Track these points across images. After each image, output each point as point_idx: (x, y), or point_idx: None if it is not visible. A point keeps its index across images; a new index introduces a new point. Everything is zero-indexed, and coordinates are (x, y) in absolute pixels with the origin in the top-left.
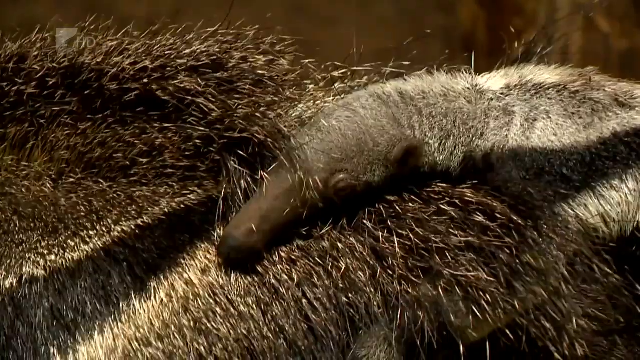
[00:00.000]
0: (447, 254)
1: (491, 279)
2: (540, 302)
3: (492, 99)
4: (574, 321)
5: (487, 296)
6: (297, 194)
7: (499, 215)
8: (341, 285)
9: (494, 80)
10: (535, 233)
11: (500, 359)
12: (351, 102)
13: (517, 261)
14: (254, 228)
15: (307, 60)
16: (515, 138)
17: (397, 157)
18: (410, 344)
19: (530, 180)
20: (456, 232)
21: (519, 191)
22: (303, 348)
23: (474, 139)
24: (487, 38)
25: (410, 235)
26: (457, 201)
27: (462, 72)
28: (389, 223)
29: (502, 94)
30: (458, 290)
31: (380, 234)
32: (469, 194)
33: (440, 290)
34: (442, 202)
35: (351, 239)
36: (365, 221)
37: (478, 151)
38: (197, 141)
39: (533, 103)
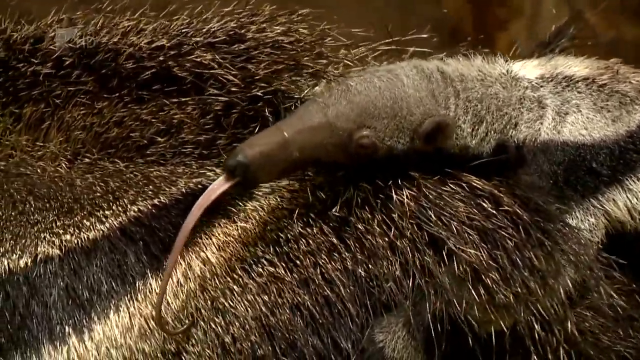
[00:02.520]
0: (454, 227)
1: (492, 263)
2: (534, 301)
3: (527, 88)
4: (565, 328)
5: (487, 280)
6: (320, 135)
7: (505, 207)
8: (360, 257)
9: (528, 69)
10: (543, 235)
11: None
12: (395, 69)
13: (519, 254)
14: (268, 154)
15: (323, 26)
16: (547, 131)
17: (427, 129)
18: (430, 335)
19: (560, 175)
20: (463, 208)
21: (541, 190)
22: (321, 325)
23: (507, 126)
24: (473, 28)
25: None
26: (465, 185)
27: (498, 57)
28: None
29: (537, 84)
30: (459, 266)
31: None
32: (476, 181)
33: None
34: (451, 181)
35: (367, 209)
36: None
37: (511, 141)
38: (217, 110)
39: (564, 96)
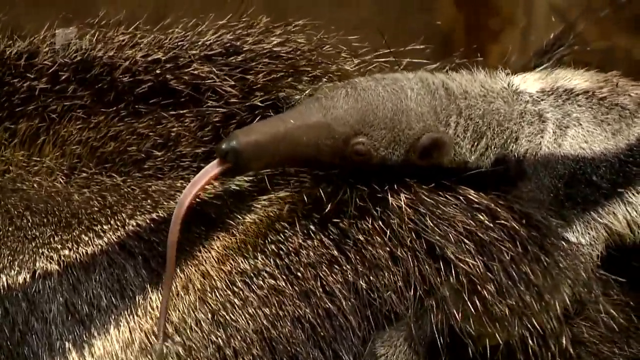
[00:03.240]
0: (452, 236)
1: (488, 275)
2: (529, 315)
3: (528, 102)
4: (561, 343)
5: (483, 292)
6: (316, 134)
7: (502, 221)
8: (360, 269)
9: (529, 82)
10: (540, 250)
11: None
12: (400, 79)
13: (515, 268)
14: (261, 144)
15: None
16: (547, 145)
17: (424, 145)
18: (432, 349)
19: (560, 188)
20: (461, 219)
21: (541, 203)
22: (322, 338)
23: (508, 141)
24: (465, 39)
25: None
26: (461, 197)
27: (499, 71)
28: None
29: (537, 97)
30: (458, 276)
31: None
32: (473, 194)
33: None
34: (448, 193)
35: (366, 218)
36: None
37: (511, 155)
38: (216, 122)
39: (565, 109)
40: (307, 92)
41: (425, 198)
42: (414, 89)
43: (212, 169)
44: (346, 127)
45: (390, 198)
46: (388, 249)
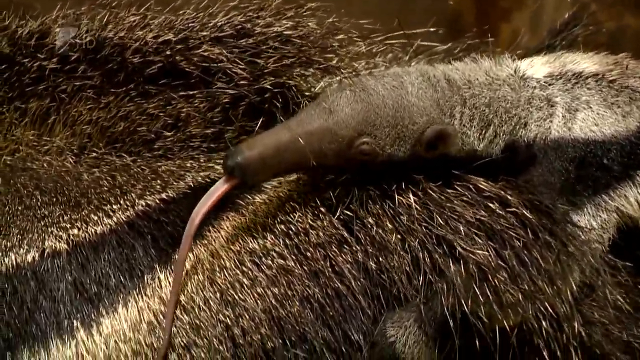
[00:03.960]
0: (462, 228)
1: (500, 263)
2: (543, 299)
3: (535, 87)
4: (574, 327)
5: (495, 279)
6: (319, 140)
7: (513, 208)
8: (370, 250)
9: (536, 67)
10: (550, 236)
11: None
12: (401, 75)
13: (527, 253)
14: (266, 157)
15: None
16: (557, 129)
17: (429, 138)
18: (442, 331)
19: (571, 172)
20: (471, 210)
21: (552, 187)
22: (331, 317)
23: (517, 127)
24: (476, 19)
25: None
26: (471, 187)
27: (505, 58)
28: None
29: (545, 82)
30: (468, 267)
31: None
32: (483, 183)
33: (455, 266)
34: (458, 183)
35: (377, 206)
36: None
37: (521, 141)
38: (225, 103)
39: (574, 93)
40: (317, 87)
41: (434, 194)
42: (415, 84)
43: (221, 185)
44: (349, 130)
45: (399, 197)
46: (398, 235)
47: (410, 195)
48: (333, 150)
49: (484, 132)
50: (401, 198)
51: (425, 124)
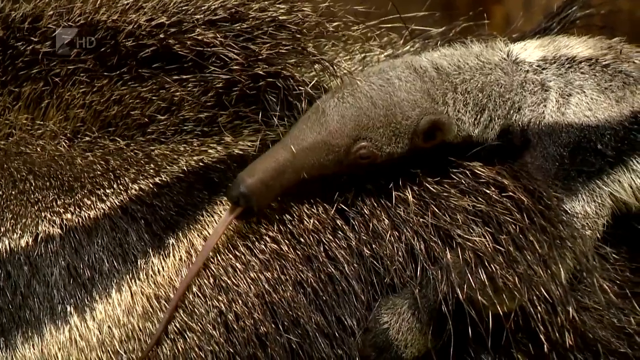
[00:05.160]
0: (458, 216)
1: (497, 247)
2: (538, 283)
3: (528, 71)
4: (568, 311)
5: (492, 264)
6: (316, 154)
7: (509, 193)
8: (364, 237)
9: (529, 51)
10: (545, 221)
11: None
12: (387, 71)
13: (523, 237)
14: (267, 182)
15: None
16: (551, 114)
17: (424, 128)
18: (436, 318)
19: (566, 157)
20: (467, 198)
21: (547, 173)
22: (325, 302)
23: (511, 111)
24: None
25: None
26: (468, 172)
27: (497, 42)
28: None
29: (538, 66)
30: (465, 254)
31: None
32: (479, 168)
33: (451, 253)
34: (455, 170)
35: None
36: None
37: (516, 125)
38: (218, 88)
39: (567, 78)
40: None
41: (432, 186)
42: (402, 78)
43: (228, 216)
44: (343, 138)
45: (396, 192)
46: (393, 223)
47: (407, 188)
48: (332, 160)
49: (478, 116)
50: (398, 193)
51: (419, 116)
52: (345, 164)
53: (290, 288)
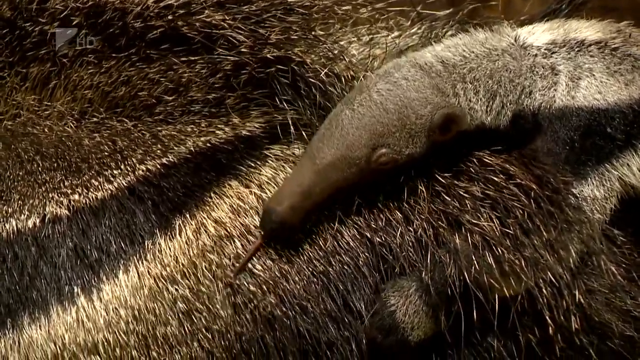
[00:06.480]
0: (467, 202)
1: (504, 230)
2: (544, 266)
3: (536, 55)
4: (574, 295)
5: (499, 247)
6: (339, 169)
7: (517, 180)
8: (374, 226)
9: (537, 35)
10: (552, 206)
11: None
12: (392, 73)
13: (530, 222)
14: (296, 206)
15: None
16: (561, 97)
17: (438, 123)
18: (444, 301)
19: (576, 141)
20: (475, 184)
21: (557, 157)
22: (335, 289)
23: (522, 96)
24: None
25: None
26: (475, 161)
27: (503, 27)
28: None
29: (547, 50)
30: (472, 238)
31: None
32: (487, 157)
33: (458, 238)
34: (463, 159)
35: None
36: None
37: (527, 110)
38: (227, 70)
39: (577, 61)
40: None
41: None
42: (408, 77)
43: (262, 239)
44: (362, 149)
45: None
46: (401, 213)
47: (417, 177)
48: (355, 173)
49: (491, 103)
50: (409, 182)
51: (432, 112)
52: (369, 172)
53: (300, 273)
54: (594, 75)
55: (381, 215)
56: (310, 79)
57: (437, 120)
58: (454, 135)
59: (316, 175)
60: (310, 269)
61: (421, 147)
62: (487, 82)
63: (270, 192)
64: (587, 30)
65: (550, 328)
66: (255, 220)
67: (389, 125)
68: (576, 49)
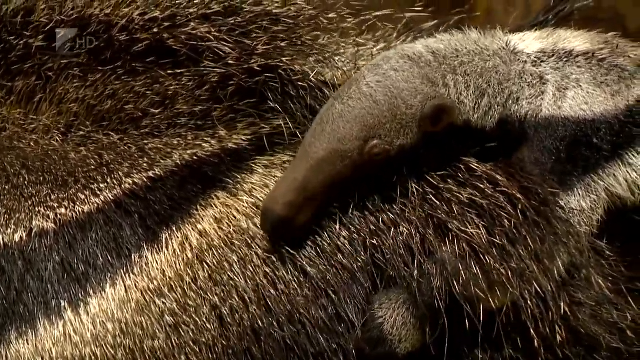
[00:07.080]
0: (455, 207)
1: (491, 240)
2: (530, 277)
3: (526, 62)
4: (560, 306)
5: (485, 257)
6: (332, 163)
7: (503, 188)
8: (368, 230)
9: (528, 42)
10: (539, 217)
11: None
12: (381, 65)
13: (516, 232)
14: (294, 202)
15: None
16: (548, 107)
17: (428, 114)
18: (430, 313)
19: (562, 151)
20: (463, 190)
21: (543, 167)
22: (327, 296)
23: (509, 101)
24: None
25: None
26: (463, 167)
27: (496, 31)
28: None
29: (537, 58)
30: (459, 246)
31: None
32: (475, 164)
33: (446, 246)
34: (453, 166)
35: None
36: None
37: (514, 116)
38: (213, 82)
39: (565, 71)
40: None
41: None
42: (397, 68)
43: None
44: (353, 142)
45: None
46: (392, 216)
47: (408, 180)
48: (348, 166)
49: (479, 101)
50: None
51: (422, 102)
52: (362, 166)
53: (293, 280)
54: (581, 86)
55: (370, 219)
56: (299, 83)
57: (427, 110)
58: (445, 126)
59: (310, 171)
60: (299, 277)
61: (412, 138)
62: (478, 79)
63: (260, 201)
64: (576, 40)
65: (535, 340)
66: (242, 230)
67: (380, 116)
68: (564, 59)
